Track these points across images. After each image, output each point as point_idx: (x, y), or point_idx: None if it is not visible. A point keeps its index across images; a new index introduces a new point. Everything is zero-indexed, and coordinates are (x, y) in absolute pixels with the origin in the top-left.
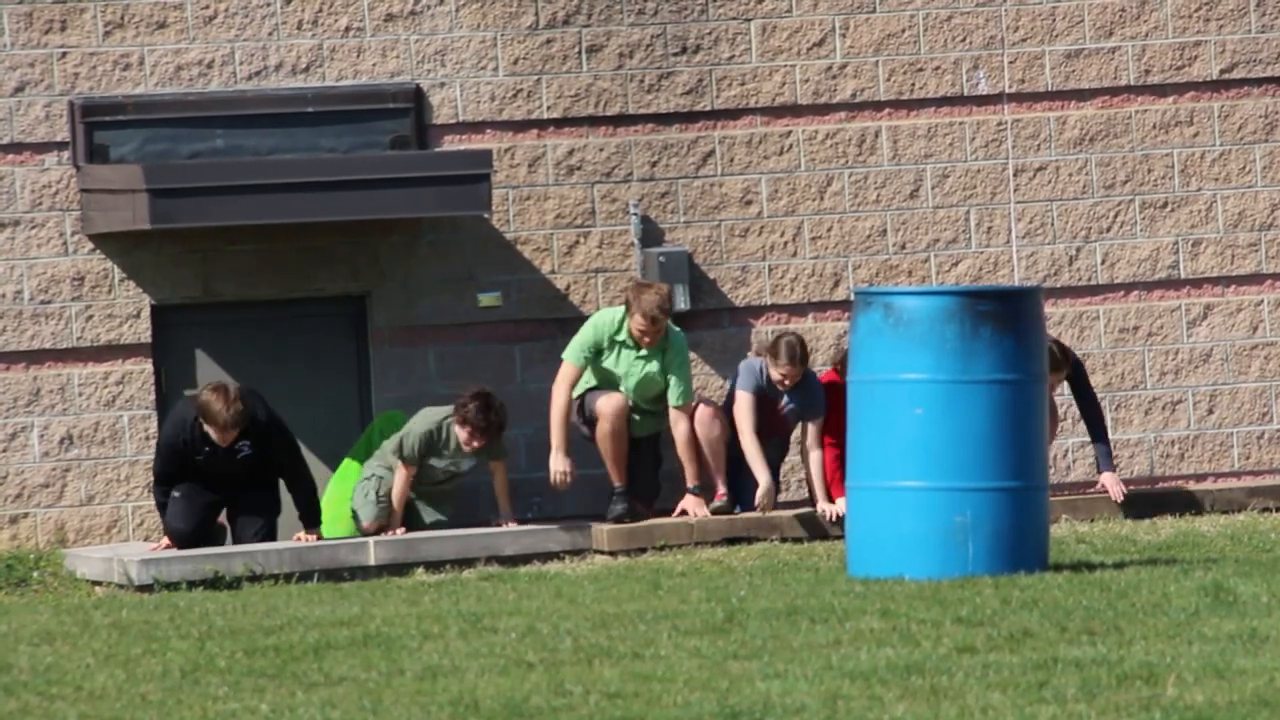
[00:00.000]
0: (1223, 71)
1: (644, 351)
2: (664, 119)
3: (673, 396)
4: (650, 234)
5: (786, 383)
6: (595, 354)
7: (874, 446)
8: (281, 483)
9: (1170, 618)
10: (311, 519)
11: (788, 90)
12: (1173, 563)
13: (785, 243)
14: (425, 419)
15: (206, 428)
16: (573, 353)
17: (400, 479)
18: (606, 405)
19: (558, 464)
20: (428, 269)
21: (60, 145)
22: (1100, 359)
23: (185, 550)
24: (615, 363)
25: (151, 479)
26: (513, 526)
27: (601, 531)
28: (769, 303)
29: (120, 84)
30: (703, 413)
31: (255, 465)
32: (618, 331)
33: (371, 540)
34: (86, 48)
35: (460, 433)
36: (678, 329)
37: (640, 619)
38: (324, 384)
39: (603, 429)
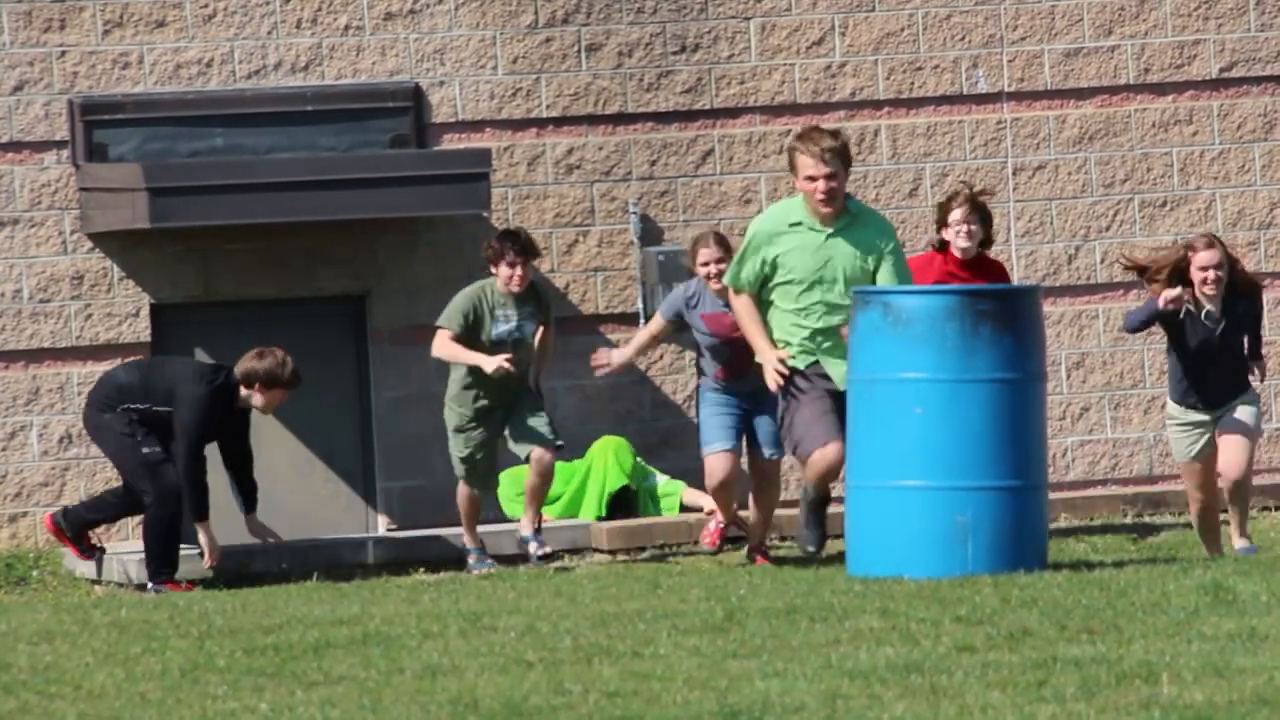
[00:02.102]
0: (1222, 70)
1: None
2: (663, 118)
3: (884, 274)
4: (649, 233)
5: (712, 271)
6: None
7: (874, 446)
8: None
9: (1170, 617)
10: (255, 499)
11: (787, 89)
12: (1172, 562)
13: None
14: (463, 293)
15: (257, 398)
16: (734, 275)
17: (441, 342)
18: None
19: (769, 358)
20: (427, 268)
21: (59, 144)
22: (1099, 358)
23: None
24: (799, 248)
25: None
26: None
27: (601, 530)
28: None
29: (119, 83)
30: None
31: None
32: (788, 218)
33: (371, 539)
34: (86, 46)
35: (499, 277)
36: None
37: (640, 618)
38: (323, 384)
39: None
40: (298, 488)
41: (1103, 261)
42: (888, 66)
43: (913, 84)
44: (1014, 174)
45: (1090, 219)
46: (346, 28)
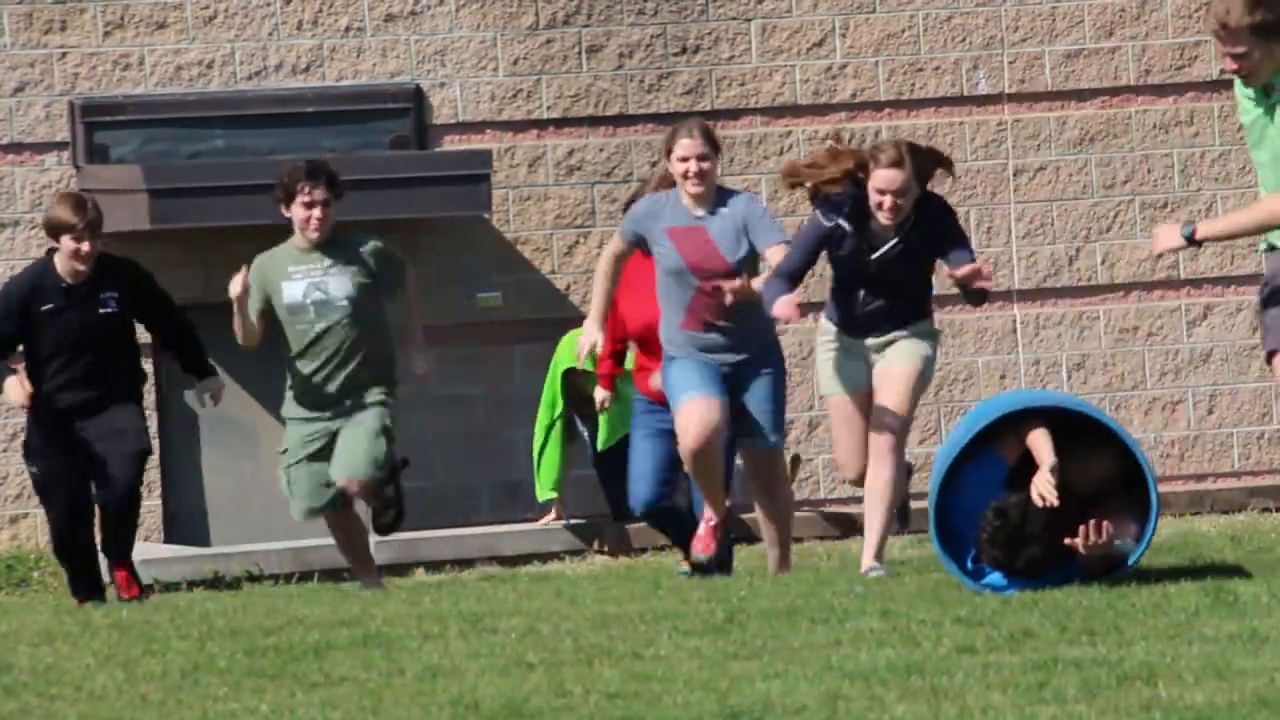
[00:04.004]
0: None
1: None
2: (664, 119)
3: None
4: None
5: (691, 169)
6: None
7: None
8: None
9: (1170, 618)
10: (205, 368)
11: (788, 90)
12: (1172, 562)
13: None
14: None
15: (60, 260)
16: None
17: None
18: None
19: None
20: (428, 269)
21: (60, 145)
22: (1100, 359)
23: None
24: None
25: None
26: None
27: (602, 531)
28: None
29: (120, 84)
30: None
31: (117, 333)
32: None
33: (372, 540)
34: (86, 48)
35: (295, 222)
36: None
37: (640, 619)
38: None
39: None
40: None
41: (1104, 263)
42: (888, 68)
43: (913, 85)
44: (1015, 175)
45: (1091, 220)
46: (347, 29)
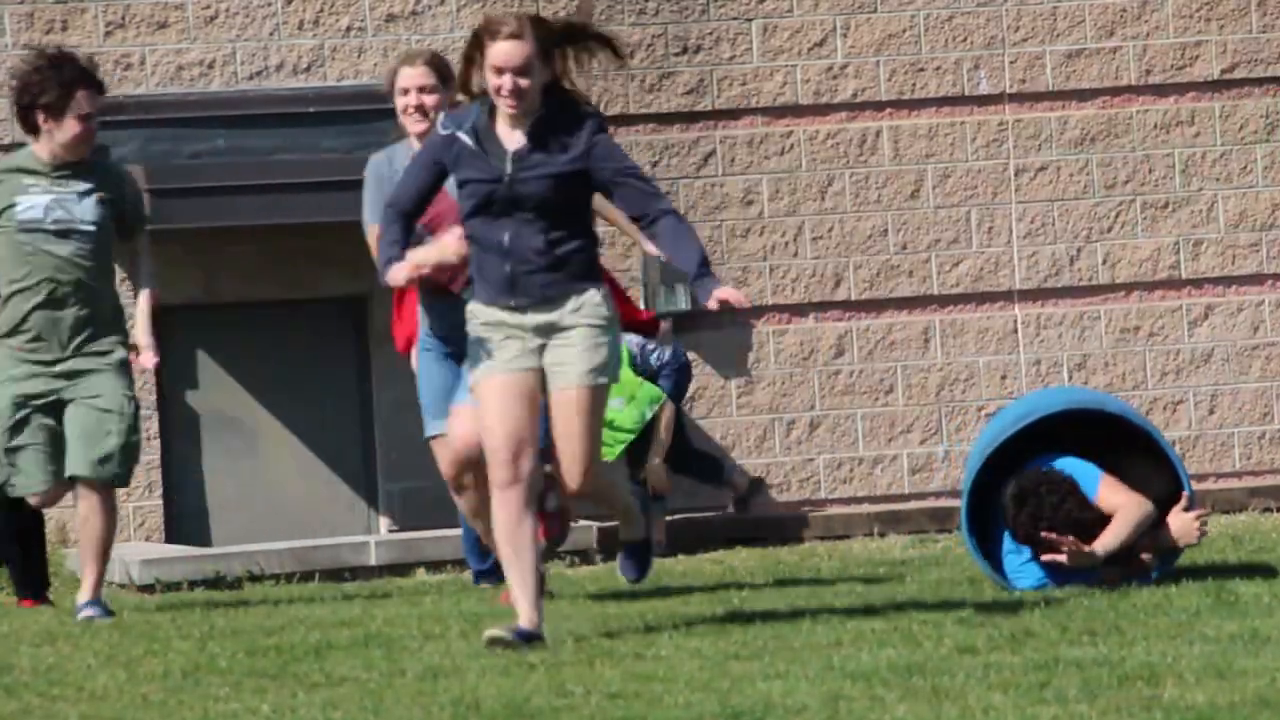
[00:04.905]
0: (1224, 71)
1: None
2: (665, 119)
3: None
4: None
5: (412, 103)
6: None
7: None
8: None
9: (1171, 618)
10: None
11: (789, 90)
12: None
13: (786, 243)
14: None
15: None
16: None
17: None
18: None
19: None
20: None
21: None
22: (1101, 359)
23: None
24: None
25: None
26: (151, 360)
27: (603, 531)
28: (770, 303)
29: (121, 84)
30: None
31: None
32: None
33: (373, 540)
34: (87, 48)
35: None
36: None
37: (641, 619)
38: (325, 385)
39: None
40: (299, 489)
41: (1104, 263)
42: (889, 68)
43: (914, 85)
44: (1015, 175)
45: (1092, 220)
46: (348, 29)
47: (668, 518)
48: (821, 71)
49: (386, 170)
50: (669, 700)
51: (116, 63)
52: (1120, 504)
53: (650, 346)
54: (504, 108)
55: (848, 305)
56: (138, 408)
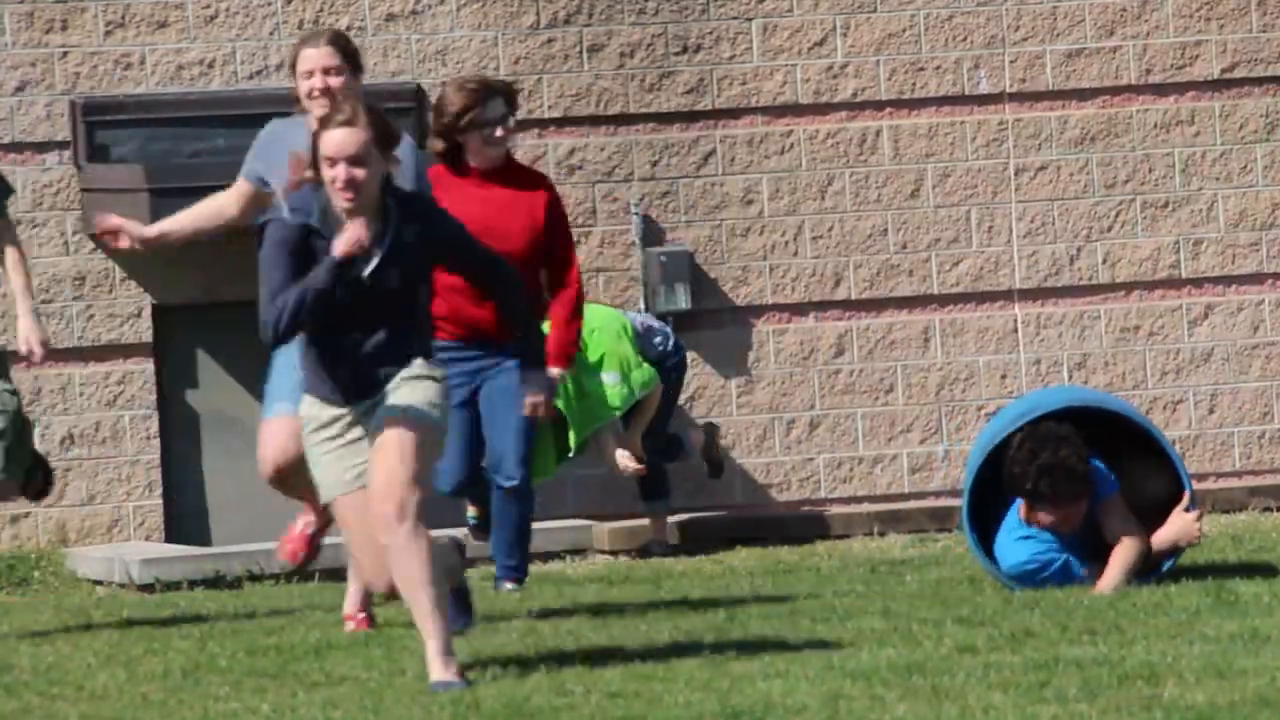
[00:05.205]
0: (1224, 71)
1: None
2: (665, 118)
3: None
4: (651, 234)
5: (318, 85)
6: None
7: None
8: None
9: (1171, 617)
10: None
11: (789, 90)
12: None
13: (786, 242)
14: None
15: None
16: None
17: None
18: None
19: None
20: None
21: (61, 145)
22: (1101, 359)
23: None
24: None
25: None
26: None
27: (603, 531)
28: (770, 302)
29: (121, 83)
30: None
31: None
32: None
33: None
34: (87, 47)
35: None
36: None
37: (641, 618)
38: None
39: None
40: None
41: (1104, 262)
42: (889, 67)
43: (914, 85)
44: (1015, 175)
45: (1092, 220)
46: (348, 29)
47: (670, 518)
48: (821, 71)
49: (283, 134)
50: (669, 700)
51: (116, 62)
52: (1117, 533)
53: (655, 329)
54: (337, 202)
55: (848, 305)
56: (20, 403)
